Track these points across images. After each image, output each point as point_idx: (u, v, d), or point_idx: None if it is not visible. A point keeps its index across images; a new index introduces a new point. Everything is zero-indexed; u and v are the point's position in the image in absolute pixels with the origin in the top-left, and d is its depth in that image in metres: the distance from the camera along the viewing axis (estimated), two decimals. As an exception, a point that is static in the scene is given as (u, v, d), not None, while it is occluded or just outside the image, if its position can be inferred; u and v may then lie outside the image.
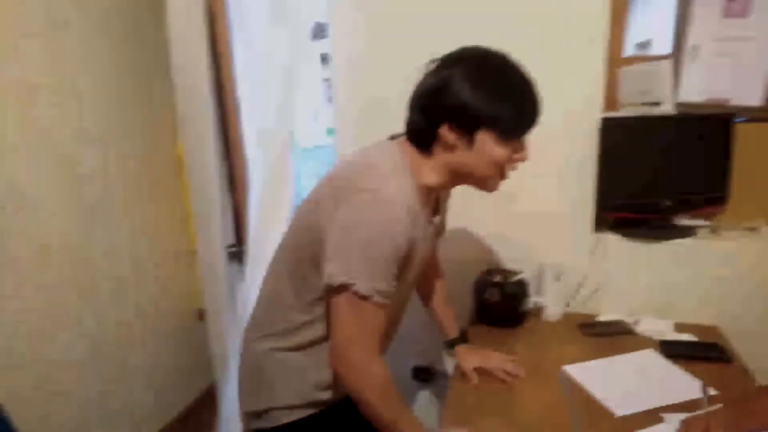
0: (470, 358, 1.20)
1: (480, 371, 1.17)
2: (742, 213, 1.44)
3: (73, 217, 1.64)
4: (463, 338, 1.26)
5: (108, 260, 1.78)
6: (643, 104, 1.46)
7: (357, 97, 1.56)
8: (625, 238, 1.45)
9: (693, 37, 1.45)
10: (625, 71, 1.49)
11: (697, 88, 1.47)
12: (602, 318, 1.44)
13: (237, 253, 1.66)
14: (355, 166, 0.93)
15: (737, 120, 1.40)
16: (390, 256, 0.84)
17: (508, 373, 1.16)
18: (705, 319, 1.40)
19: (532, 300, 1.44)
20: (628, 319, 1.40)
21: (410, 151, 0.93)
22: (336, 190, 0.89)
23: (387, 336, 1.10)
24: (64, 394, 1.62)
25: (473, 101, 0.84)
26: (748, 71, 1.43)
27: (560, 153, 1.46)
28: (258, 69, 1.54)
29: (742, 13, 1.41)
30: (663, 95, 1.42)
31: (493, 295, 1.37)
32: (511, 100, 0.87)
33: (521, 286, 1.40)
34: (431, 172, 0.92)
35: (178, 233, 2.12)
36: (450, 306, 1.28)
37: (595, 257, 1.47)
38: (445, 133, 0.87)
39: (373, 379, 0.90)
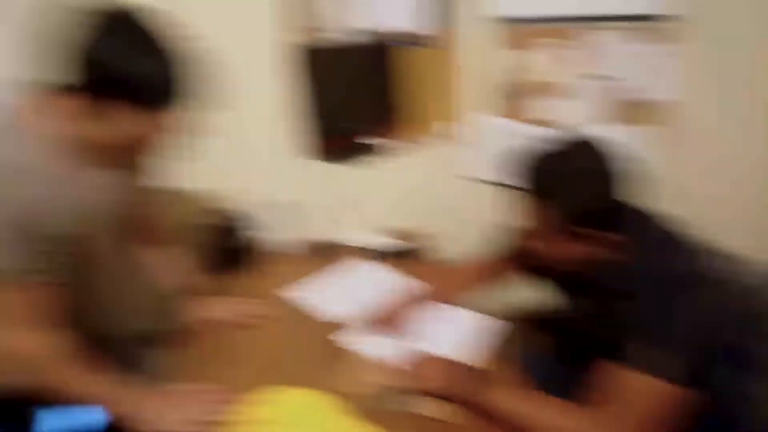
0: (200, 314, 1.15)
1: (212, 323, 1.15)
2: (410, 131, 1.64)
3: None
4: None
5: None
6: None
7: None
8: (329, 162, 1.56)
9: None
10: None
11: (362, 16, 1.52)
12: (316, 240, 1.55)
13: None
14: None
15: (395, 44, 1.53)
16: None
17: (251, 316, 1.17)
18: (405, 225, 1.62)
19: (253, 235, 1.45)
20: (344, 238, 1.54)
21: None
22: None
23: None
24: None
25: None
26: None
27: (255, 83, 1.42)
28: None
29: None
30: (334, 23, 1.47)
31: (208, 240, 1.32)
32: (143, 66, 0.75)
33: (234, 224, 1.40)
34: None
35: None
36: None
37: (307, 184, 1.56)
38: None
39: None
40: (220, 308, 1.18)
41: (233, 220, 1.38)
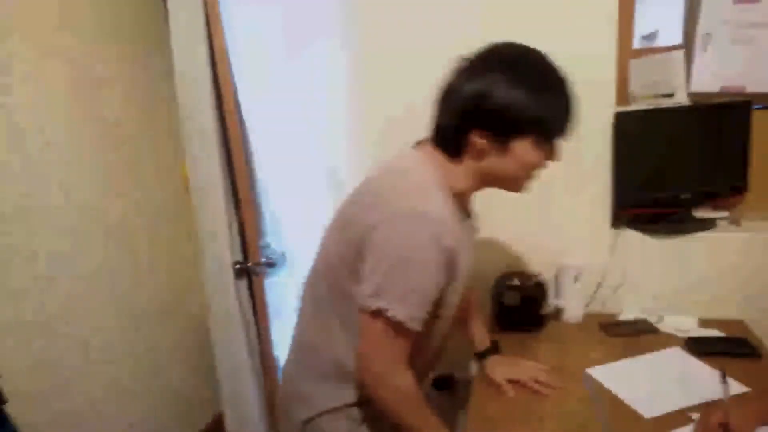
0: (501, 369, 1.17)
1: (512, 382, 1.14)
2: (762, 202, 1.40)
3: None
4: (495, 349, 1.22)
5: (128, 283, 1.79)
6: (656, 96, 1.43)
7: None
8: (644, 233, 1.42)
9: (704, 25, 1.42)
10: (636, 63, 1.46)
11: (711, 76, 1.44)
12: (624, 317, 1.42)
13: (243, 269, 1.64)
14: (385, 183, 0.88)
15: (754, 107, 1.36)
16: (428, 279, 0.82)
17: (540, 384, 1.13)
18: (730, 313, 1.37)
19: (552, 302, 1.42)
20: (651, 317, 1.38)
21: (438, 157, 0.89)
22: (367, 210, 0.85)
23: (430, 364, 1.08)
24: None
25: (517, 108, 0.80)
26: (762, 57, 1.39)
27: (575, 151, 1.43)
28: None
29: (754, -1, 1.38)
30: (676, 86, 1.39)
31: (512, 299, 1.35)
32: (553, 104, 0.83)
33: (540, 288, 1.38)
34: (461, 177, 0.89)
35: (184, 254, 2.13)
36: (480, 315, 1.25)
37: (614, 255, 1.45)
38: (477, 139, 0.84)
39: (395, 390, 0.89)
40: (520, 369, 1.17)
41: (537, 282, 1.38)
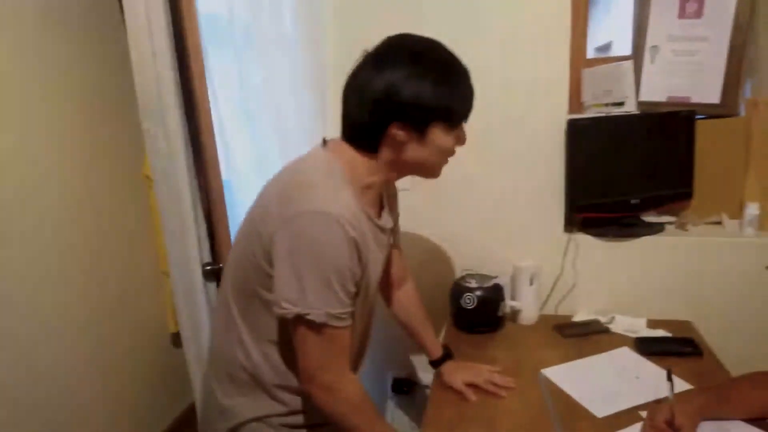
0: (459, 374, 1.17)
1: (469, 386, 1.14)
2: (706, 208, 1.47)
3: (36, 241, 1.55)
4: (447, 355, 1.22)
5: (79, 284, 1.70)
6: (607, 105, 1.48)
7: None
8: (595, 237, 1.46)
9: (651, 37, 1.49)
10: (588, 72, 1.51)
11: (658, 86, 1.50)
12: (578, 318, 1.45)
13: (213, 271, 1.58)
14: (288, 185, 0.86)
15: (698, 117, 1.43)
16: (339, 277, 0.80)
17: (497, 386, 1.14)
18: (677, 314, 1.42)
19: (508, 304, 1.43)
20: (603, 318, 1.41)
21: (348, 153, 0.88)
22: (271, 212, 0.83)
23: (359, 352, 1.06)
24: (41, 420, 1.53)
25: (427, 97, 0.81)
26: (705, 70, 1.47)
27: (530, 157, 1.47)
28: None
29: (697, 14, 1.46)
30: (626, 95, 1.44)
31: (469, 302, 1.35)
32: (458, 89, 0.86)
33: (497, 290, 1.39)
34: (375, 170, 0.89)
35: (148, 254, 2.04)
36: (429, 322, 1.24)
37: (568, 258, 1.48)
38: (396, 132, 0.84)
39: (346, 398, 0.88)
40: (475, 373, 1.17)
41: (493, 285, 1.39)
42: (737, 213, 1.43)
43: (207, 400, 1.01)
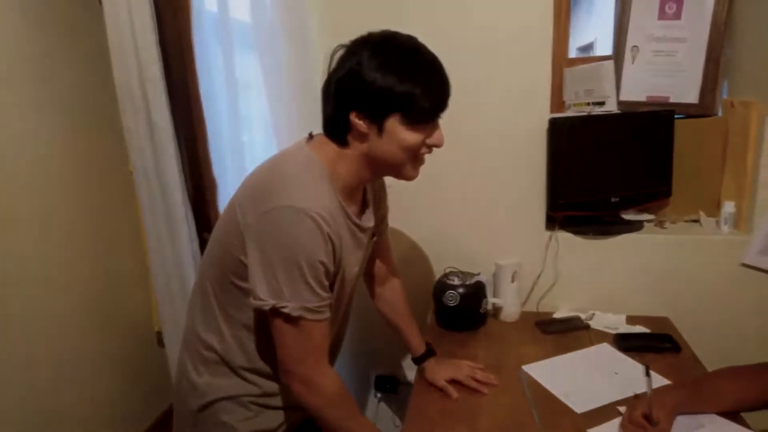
0: (441, 371, 1.17)
1: (451, 382, 1.14)
2: (684, 206, 1.50)
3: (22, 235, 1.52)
4: (430, 352, 1.22)
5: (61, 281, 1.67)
6: (589, 104, 1.50)
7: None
8: (576, 235, 1.48)
9: (632, 38, 1.51)
10: (570, 72, 1.53)
11: (638, 86, 1.52)
12: (558, 315, 1.46)
13: None
14: (267, 178, 0.86)
15: (677, 116, 1.45)
16: (313, 271, 0.81)
17: (479, 382, 1.14)
18: (656, 310, 1.44)
19: (490, 301, 1.44)
20: (583, 315, 1.43)
21: (327, 148, 0.88)
22: (249, 204, 0.84)
23: (335, 344, 1.07)
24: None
25: (379, 84, 0.80)
26: (684, 70, 1.49)
27: (512, 155, 1.47)
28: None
29: (676, 15, 1.48)
30: (607, 94, 1.46)
31: (451, 299, 1.35)
32: (419, 81, 0.82)
33: (479, 288, 1.39)
34: (350, 165, 0.88)
35: (132, 252, 2.01)
36: (413, 319, 1.25)
37: (549, 256, 1.49)
38: (355, 120, 0.83)
39: (324, 392, 0.88)
40: (457, 369, 1.17)
41: (475, 282, 1.40)
42: (714, 211, 1.46)
43: (180, 376, 1.01)
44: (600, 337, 1.33)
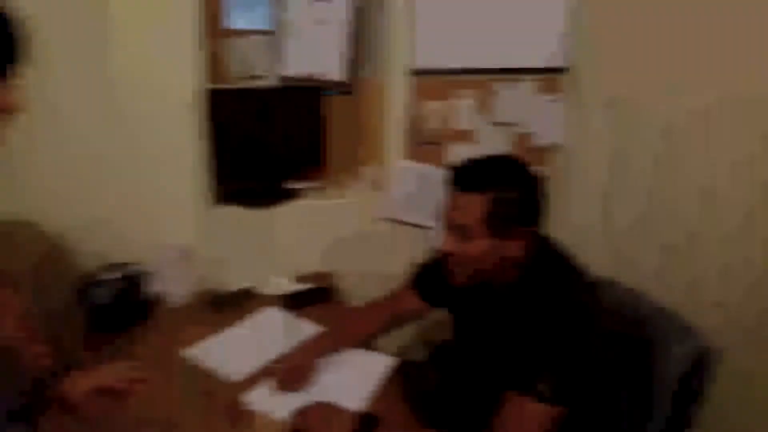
0: (80, 382, 1.00)
1: (99, 392, 1.00)
2: (336, 173, 1.68)
3: None
4: (68, 368, 1.02)
5: None
6: (251, 77, 1.51)
7: None
8: (242, 207, 1.51)
9: (289, 15, 1.57)
10: (231, 43, 1.50)
11: (295, 62, 1.60)
12: (234, 289, 1.48)
13: None
14: None
15: (326, 93, 1.60)
16: None
17: (133, 381, 1.04)
18: (321, 267, 1.61)
19: (154, 289, 1.35)
20: (255, 285, 1.49)
21: None
22: None
23: None
24: None
25: None
26: (333, 50, 1.64)
27: (167, 131, 1.39)
28: None
29: (328, -1, 1.59)
30: (267, 68, 1.50)
31: (100, 297, 1.20)
32: None
33: (136, 278, 1.29)
34: None
35: None
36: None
37: (216, 230, 1.49)
38: None
39: None
40: (103, 375, 1.04)
41: (131, 272, 1.28)
42: (360, 176, 1.70)
43: None
44: (272, 301, 1.41)
